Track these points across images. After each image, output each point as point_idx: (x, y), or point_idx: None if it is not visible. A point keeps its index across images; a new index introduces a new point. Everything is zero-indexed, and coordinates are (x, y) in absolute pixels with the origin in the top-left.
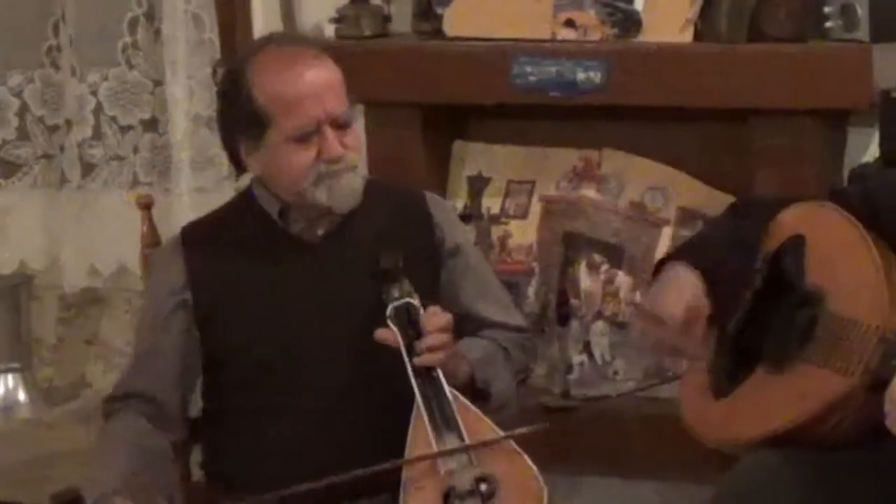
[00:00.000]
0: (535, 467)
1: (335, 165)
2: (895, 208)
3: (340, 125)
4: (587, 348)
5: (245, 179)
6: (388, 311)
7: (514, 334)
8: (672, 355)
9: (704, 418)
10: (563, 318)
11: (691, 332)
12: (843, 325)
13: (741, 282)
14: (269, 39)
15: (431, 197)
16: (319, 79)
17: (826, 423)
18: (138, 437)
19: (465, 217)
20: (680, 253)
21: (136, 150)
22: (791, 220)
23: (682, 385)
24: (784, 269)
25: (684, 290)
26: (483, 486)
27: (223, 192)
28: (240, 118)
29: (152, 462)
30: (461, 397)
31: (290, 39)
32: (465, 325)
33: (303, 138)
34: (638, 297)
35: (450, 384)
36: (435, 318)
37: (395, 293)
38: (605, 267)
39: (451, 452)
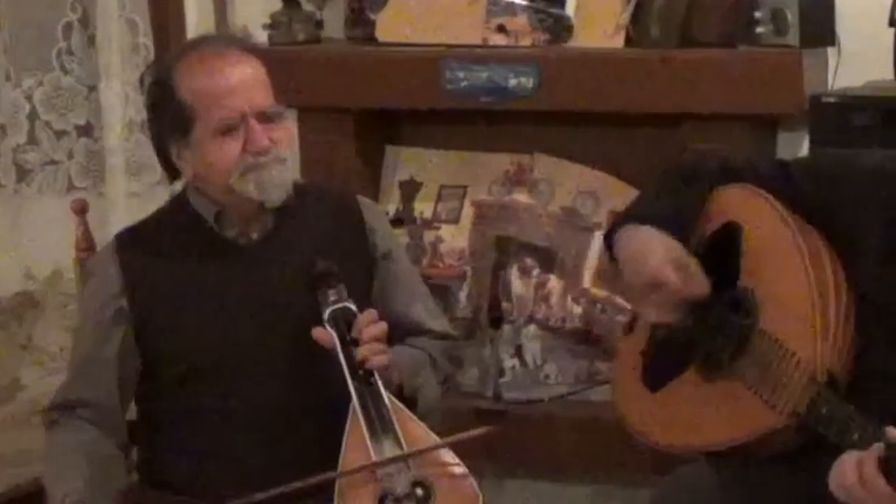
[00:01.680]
0: (469, 473)
1: (262, 157)
2: (841, 185)
3: (268, 119)
4: (519, 352)
5: (178, 185)
6: (326, 314)
7: (442, 342)
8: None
9: (635, 407)
10: (495, 322)
11: (687, 278)
12: (775, 349)
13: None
14: (194, 42)
15: (364, 201)
16: (243, 73)
17: (754, 448)
18: (90, 446)
19: (398, 221)
20: (628, 219)
21: (70, 154)
22: (729, 203)
23: (617, 365)
24: (720, 260)
25: (656, 243)
26: (419, 491)
27: (157, 197)
28: (167, 119)
29: (108, 469)
30: (397, 401)
31: (215, 39)
32: (395, 330)
33: (228, 130)
34: (570, 301)
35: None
36: (373, 326)
37: (332, 297)
38: (536, 271)
39: (392, 461)
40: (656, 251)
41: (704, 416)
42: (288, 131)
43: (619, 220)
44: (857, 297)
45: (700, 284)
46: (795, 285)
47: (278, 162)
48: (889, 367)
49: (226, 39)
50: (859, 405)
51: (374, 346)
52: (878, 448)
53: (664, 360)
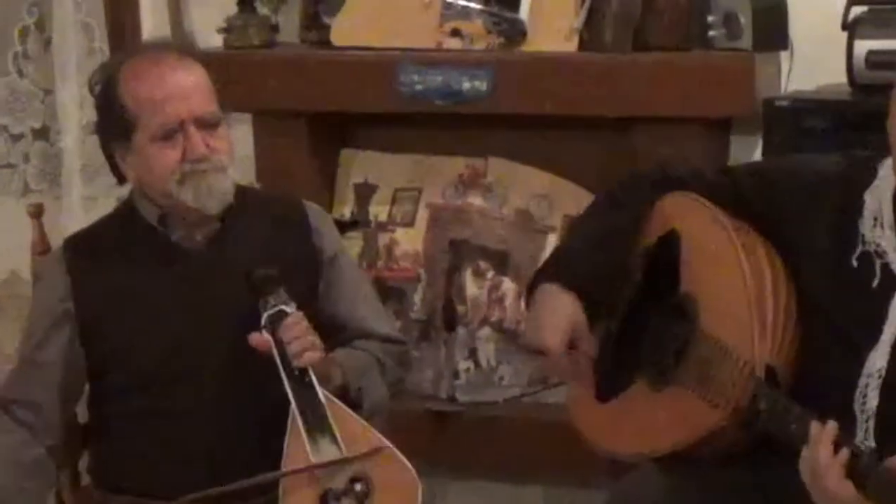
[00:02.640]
0: (409, 464)
1: (200, 165)
2: (788, 190)
3: (207, 126)
4: (473, 354)
5: (126, 188)
6: (263, 319)
7: (390, 345)
8: (567, 378)
9: (588, 420)
10: (450, 325)
11: (579, 351)
12: (715, 350)
13: (620, 277)
14: (139, 48)
15: (310, 206)
16: (183, 80)
17: (700, 449)
18: (11, 450)
19: (352, 224)
20: (551, 270)
21: (26, 158)
22: (668, 212)
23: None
24: (660, 269)
25: (559, 315)
26: (358, 486)
27: (114, 201)
28: (111, 124)
29: (27, 474)
30: (335, 400)
31: (158, 46)
32: (341, 333)
33: (167, 137)
34: (524, 303)
35: (323, 389)
36: (297, 325)
37: (271, 302)
38: (491, 274)
39: (327, 465)
40: (556, 323)
41: (652, 422)
42: (228, 139)
43: (543, 268)
44: (801, 301)
45: (581, 376)
46: (732, 286)
47: (218, 170)
48: (828, 369)
49: (169, 46)
50: (805, 403)
51: (303, 343)
52: (844, 454)
53: (613, 373)
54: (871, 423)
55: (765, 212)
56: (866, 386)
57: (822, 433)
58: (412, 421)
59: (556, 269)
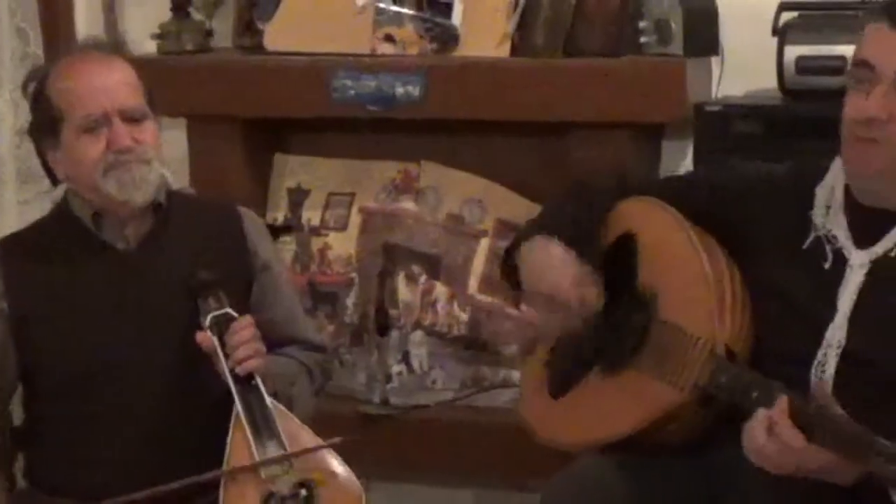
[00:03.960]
0: (351, 473)
1: (124, 156)
2: (741, 194)
3: (133, 120)
4: (406, 358)
5: (60, 190)
6: (207, 321)
7: (316, 353)
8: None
9: (541, 417)
10: (382, 329)
11: (584, 286)
12: (673, 333)
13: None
14: (71, 52)
15: (245, 212)
16: (108, 74)
17: (656, 434)
18: None
19: (286, 229)
20: (532, 232)
21: None
22: (628, 214)
23: (523, 381)
24: (618, 268)
25: (563, 261)
26: (302, 491)
27: (48, 204)
28: (41, 122)
29: None
30: (279, 405)
31: (89, 47)
32: (271, 340)
33: (92, 129)
34: (456, 307)
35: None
36: (244, 329)
37: (213, 304)
38: (423, 278)
39: (274, 461)
40: (557, 264)
41: (608, 408)
42: (154, 133)
43: (524, 233)
44: (756, 286)
45: (594, 300)
46: (691, 274)
47: (142, 162)
48: (786, 346)
49: (99, 47)
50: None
51: (249, 349)
52: (782, 403)
53: (568, 368)
54: (829, 391)
55: (719, 218)
56: (825, 356)
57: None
58: (345, 424)
59: (539, 227)
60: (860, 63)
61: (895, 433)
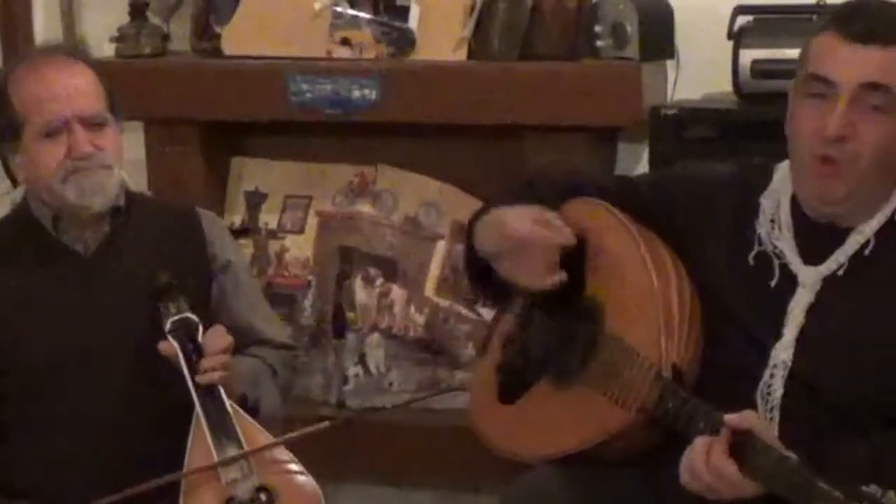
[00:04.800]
0: (310, 476)
1: (84, 162)
2: (687, 196)
3: (93, 126)
4: (363, 360)
5: (20, 192)
6: (168, 325)
7: (282, 352)
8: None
9: (490, 422)
10: (339, 331)
11: (550, 226)
12: (621, 350)
13: None
14: (32, 52)
15: (204, 213)
16: (69, 80)
17: (606, 451)
18: None
19: (243, 232)
20: (488, 206)
21: None
22: (575, 216)
23: (473, 384)
24: (568, 273)
25: (517, 211)
26: (262, 496)
27: (7, 205)
28: (1, 126)
29: None
30: (239, 409)
31: (49, 49)
32: (235, 340)
33: (52, 134)
34: (413, 310)
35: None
36: (219, 340)
37: (174, 308)
38: (380, 280)
39: (231, 461)
40: (514, 213)
41: (557, 423)
42: (115, 139)
43: (472, 220)
44: (702, 299)
45: (565, 232)
46: (639, 288)
47: (102, 168)
48: (732, 364)
49: (60, 49)
50: (710, 398)
51: (219, 358)
52: (725, 434)
53: (518, 375)
54: (776, 414)
55: (665, 220)
56: (771, 377)
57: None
58: (301, 426)
59: (492, 203)
60: (818, 78)
61: (841, 457)
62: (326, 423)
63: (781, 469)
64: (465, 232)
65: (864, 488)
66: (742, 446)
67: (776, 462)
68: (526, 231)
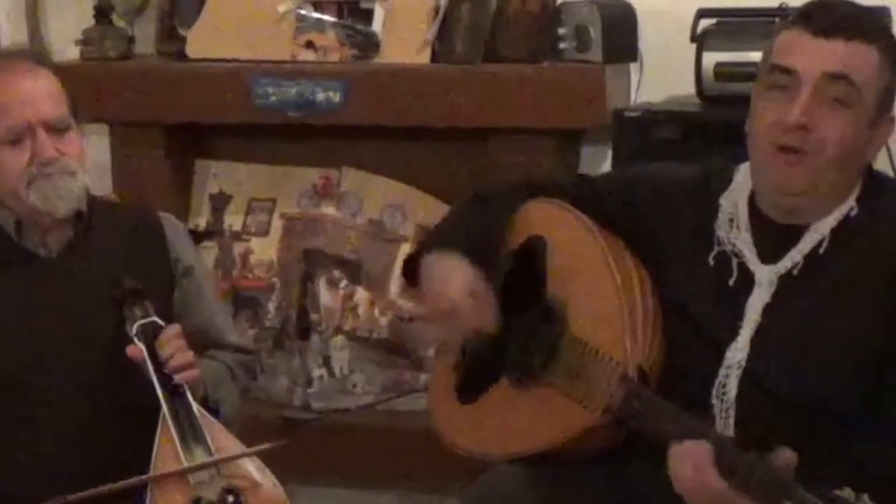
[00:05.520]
0: (275, 479)
1: (48, 168)
2: (648, 197)
3: (57, 131)
4: (327, 362)
5: None
6: (134, 329)
7: (240, 355)
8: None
9: (450, 422)
10: (304, 333)
11: (481, 308)
12: (585, 351)
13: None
14: None
15: (166, 217)
16: (32, 85)
17: (569, 451)
18: None
19: (208, 234)
20: (434, 243)
21: None
22: (534, 217)
23: (432, 382)
24: (524, 273)
25: (458, 271)
26: (230, 498)
27: None
28: None
29: None
30: (205, 412)
31: (11, 53)
32: (196, 343)
33: (15, 140)
34: (377, 312)
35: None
36: (177, 340)
37: (139, 312)
38: (344, 283)
39: (202, 467)
40: (457, 280)
41: (519, 423)
42: (78, 144)
43: (423, 245)
44: (664, 301)
45: (491, 319)
46: (602, 289)
47: (66, 173)
48: (689, 365)
49: (22, 53)
50: (668, 397)
51: (181, 359)
52: (710, 447)
53: (477, 374)
54: (731, 413)
55: (626, 220)
56: (726, 377)
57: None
58: (266, 428)
59: (438, 241)
60: (781, 69)
61: (799, 460)
62: (270, 444)
63: (758, 470)
64: (413, 252)
65: (838, 492)
66: (728, 460)
67: (752, 466)
68: (457, 299)
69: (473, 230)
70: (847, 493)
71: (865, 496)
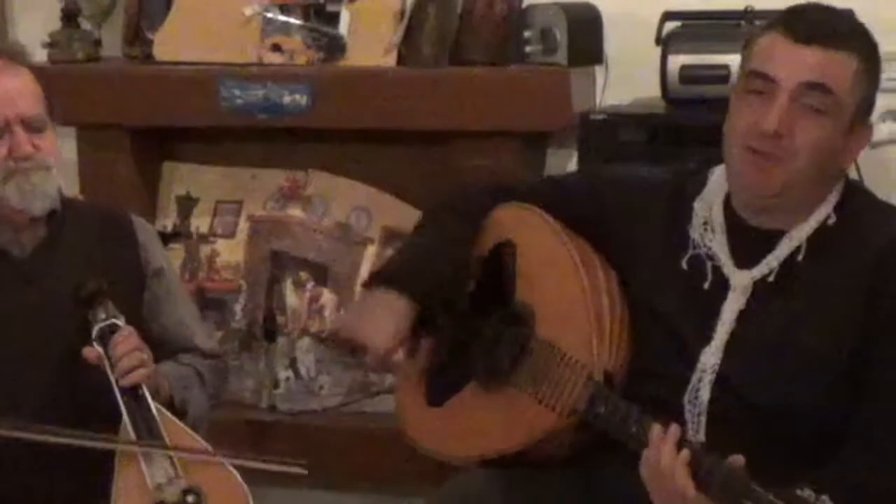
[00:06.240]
0: (238, 477)
1: (24, 163)
2: (617, 200)
3: (33, 128)
4: (293, 364)
5: None
6: (94, 331)
7: (210, 361)
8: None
9: (419, 425)
10: (270, 335)
11: (393, 359)
12: (552, 354)
13: (455, 286)
14: None
15: (137, 220)
16: (9, 82)
17: (536, 453)
18: None
19: (175, 236)
20: (388, 275)
21: None
22: (502, 222)
23: (399, 387)
24: (494, 277)
25: (394, 319)
26: (190, 498)
27: None
28: None
29: None
30: (166, 412)
31: None
32: (165, 346)
33: None
34: (343, 313)
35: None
36: (128, 340)
37: (101, 315)
38: (310, 285)
39: (154, 447)
40: (385, 330)
41: (486, 425)
42: (54, 143)
43: (374, 275)
44: (632, 304)
45: (398, 369)
46: (570, 292)
47: (42, 169)
48: (660, 369)
49: (0, 52)
50: (638, 401)
51: (132, 359)
52: (686, 454)
53: (446, 377)
54: (703, 419)
55: (596, 225)
56: (699, 381)
57: (667, 435)
58: (233, 430)
59: (393, 276)
60: (759, 75)
61: (767, 463)
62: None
63: (719, 472)
64: (368, 279)
65: (797, 492)
66: (699, 465)
67: (714, 468)
68: (382, 349)
69: (434, 269)
70: (807, 493)
71: (826, 497)
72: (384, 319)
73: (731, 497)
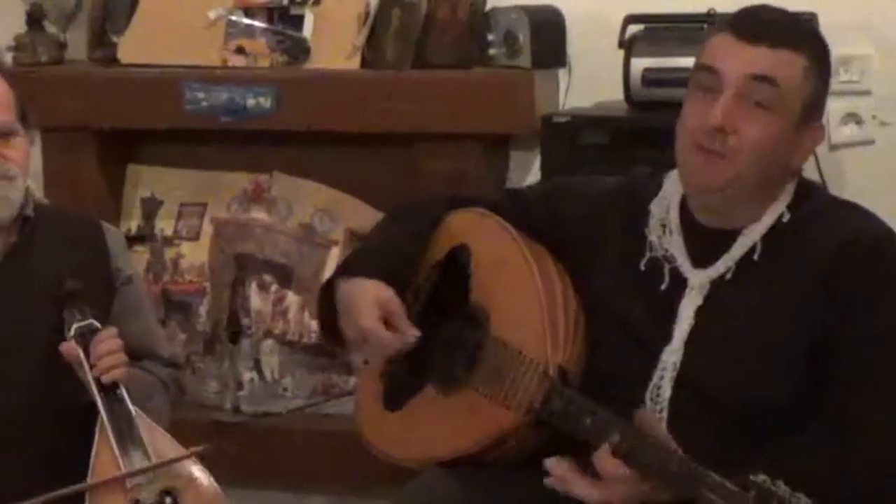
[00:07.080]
0: (213, 479)
1: None
2: (572, 206)
3: (2, 135)
4: (257, 366)
5: None
6: (73, 331)
7: (172, 369)
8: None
9: (377, 429)
10: (234, 337)
11: (397, 328)
12: (507, 353)
13: (409, 291)
14: None
15: (107, 227)
16: None
17: (492, 452)
18: None
19: (139, 239)
20: (349, 270)
21: None
22: (457, 227)
23: (359, 391)
24: (449, 282)
25: (367, 297)
26: (167, 499)
27: None
28: None
29: None
30: (144, 415)
31: None
32: (129, 354)
33: None
34: (307, 316)
35: None
36: (112, 340)
37: (79, 315)
38: (274, 287)
39: (142, 471)
40: (368, 307)
41: (445, 426)
42: (24, 150)
43: (337, 272)
44: (592, 308)
45: (408, 338)
46: (522, 292)
47: (5, 178)
48: (622, 370)
49: None
50: (598, 401)
51: (113, 359)
52: (612, 441)
53: (402, 382)
54: (665, 415)
55: (550, 230)
56: (661, 378)
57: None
58: (196, 431)
59: (353, 268)
60: (706, 69)
61: (730, 459)
62: (206, 446)
63: (671, 462)
64: (330, 277)
65: (752, 477)
66: (633, 449)
67: (664, 456)
68: (368, 327)
69: (387, 249)
70: (761, 478)
71: (780, 482)
72: (362, 300)
73: (687, 484)
